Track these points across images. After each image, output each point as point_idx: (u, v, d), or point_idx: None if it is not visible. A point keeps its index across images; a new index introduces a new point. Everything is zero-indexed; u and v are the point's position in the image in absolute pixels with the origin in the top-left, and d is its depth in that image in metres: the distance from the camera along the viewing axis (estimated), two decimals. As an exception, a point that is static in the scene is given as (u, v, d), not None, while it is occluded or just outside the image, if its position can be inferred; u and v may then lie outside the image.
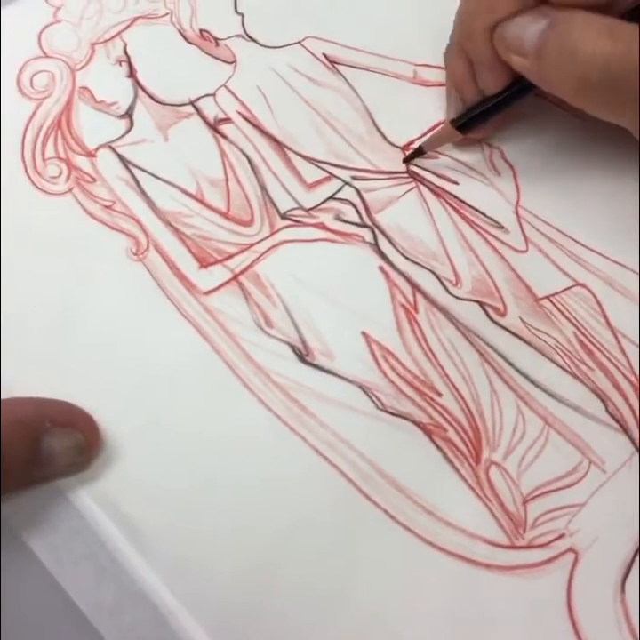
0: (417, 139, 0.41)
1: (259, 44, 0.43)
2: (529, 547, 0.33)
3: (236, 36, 0.44)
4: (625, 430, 0.35)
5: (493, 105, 0.39)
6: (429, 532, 0.34)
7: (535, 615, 0.32)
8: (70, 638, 0.32)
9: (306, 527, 0.33)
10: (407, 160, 0.40)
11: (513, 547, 0.33)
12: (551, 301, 0.38)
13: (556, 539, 0.34)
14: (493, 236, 0.39)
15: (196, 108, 0.42)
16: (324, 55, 0.43)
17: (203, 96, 0.42)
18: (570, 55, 0.34)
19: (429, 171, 0.41)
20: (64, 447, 0.32)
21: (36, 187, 0.40)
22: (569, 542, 0.33)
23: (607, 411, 0.36)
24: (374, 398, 0.36)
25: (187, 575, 0.33)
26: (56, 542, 0.33)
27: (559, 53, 0.35)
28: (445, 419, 0.35)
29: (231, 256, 0.38)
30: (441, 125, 0.41)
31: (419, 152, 0.40)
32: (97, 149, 0.41)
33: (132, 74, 0.43)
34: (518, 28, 0.36)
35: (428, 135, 0.41)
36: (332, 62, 0.43)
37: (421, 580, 0.33)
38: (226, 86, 0.42)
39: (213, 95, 0.42)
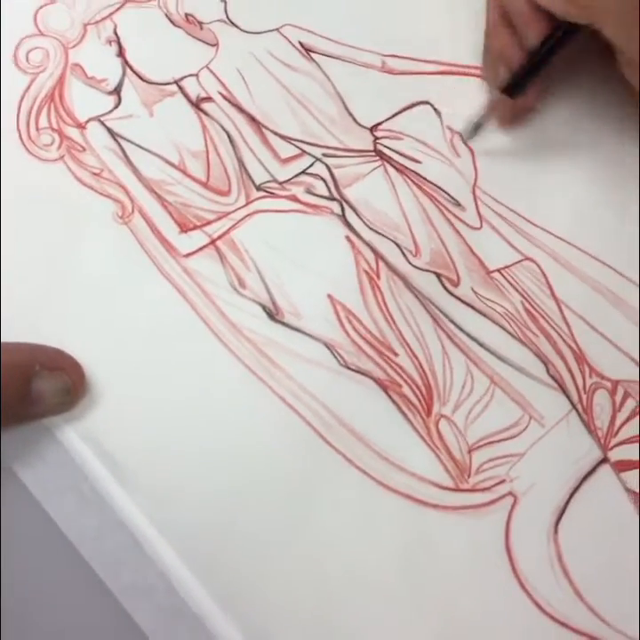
0: (384, 120, 0.44)
1: (240, 29, 0.46)
2: (472, 490, 0.37)
3: (219, 20, 0.46)
4: (563, 390, 0.39)
5: (537, 61, 0.41)
6: (383, 475, 0.37)
7: (476, 551, 0.36)
8: (56, 561, 0.35)
9: (272, 464, 0.37)
10: (469, 137, 0.43)
11: (458, 489, 0.37)
12: (501, 274, 0.41)
13: (497, 483, 0.37)
14: (451, 212, 0.42)
15: (180, 87, 0.44)
16: (300, 43, 0.46)
17: (186, 76, 0.45)
18: None
19: (394, 150, 0.44)
20: (53, 389, 0.35)
21: (30, 153, 0.42)
22: (508, 487, 0.37)
23: (548, 372, 0.39)
24: (337, 355, 0.39)
25: (161, 505, 0.36)
26: (43, 474, 0.36)
27: None
28: (401, 376, 0.39)
29: (209, 222, 0.41)
30: (494, 96, 0.43)
31: (477, 127, 0.43)
32: (87, 122, 0.43)
33: (121, 53, 0.45)
34: None
35: (483, 110, 0.43)
36: (306, 50, 0.46)
37: (374, 516, 0.36)
38: (208, 67, 0.45)
39: (196, 75, 0.45)
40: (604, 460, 0.38)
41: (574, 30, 0.40)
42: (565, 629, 0.35)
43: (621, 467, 0.37)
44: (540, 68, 0.42)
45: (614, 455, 0.38)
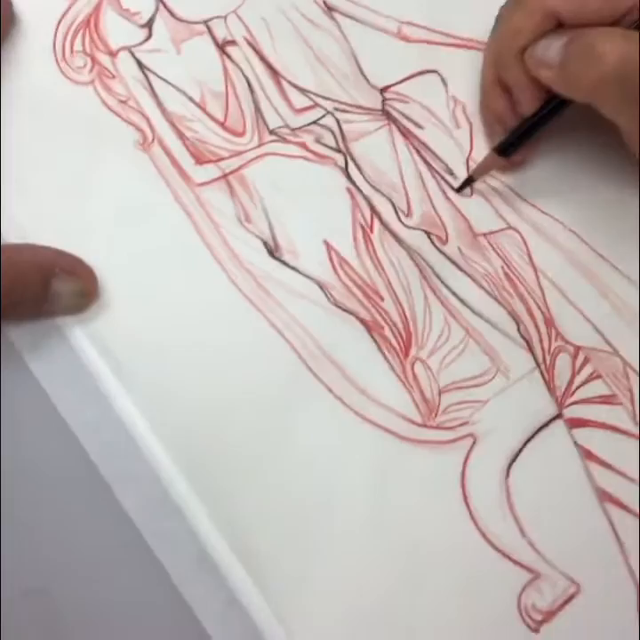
0: (394, 84, 0.47)
1: (269, -21, 0.49)
2: (438, 428, 0.40)
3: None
4: (530, 349, 0.42)
5: (530, 125, 0.43)
6: (360, 405, 0.40)
7: (436, 483, 0.39)
8: (58, 447, 0.38)
9: (260, 382, 0.40)
10: (460, 189, 0.45)
11: (425, 425, 0.40)
12: (486, 238, 0.45)
13: (460, 425, 0.41)
14: (445, 179, 0.46)
15: (208, 28, 0.47)
16: (324, 1, 0.49)
17: (215, 17, 0.48)
18: (588, 55, 0.39)
19: (401, 113, 0.47)
20: (69, 291, 0.38)
21: (63, 74, 0.45)
22: (470, 429, 0.40)
23: (519, 331, 0.43)
24: (328, 294, 0.42)
25: (156, 405, 0.39)
26: (52, 368, 0.39)
27: (579, 56, 0.40)
28: (384, 319, 0.42)
29: (223, 158, 0.44)
30: (487, 155, 0.45)
31: (469, 181, 0.45)
32: (118, 51, 0.46)
33: (155, -11, 0.48)
34: (545, 45, 0.41)
35: (477, 164, 0.45)
36: (329, 8, 0.49)
37: (350, 441, 0.40)
38: (236, 12, 0.48)
39: (224, 18, 0.48)
40: (559, 416, 0.41)
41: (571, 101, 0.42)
42: (507, 560, 0.38)
43: (573, 423, 0.41)
44: (534, 131, 0.44)
45: (568, 413, 0.41)
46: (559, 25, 0.42)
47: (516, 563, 0.39)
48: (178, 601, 0.36)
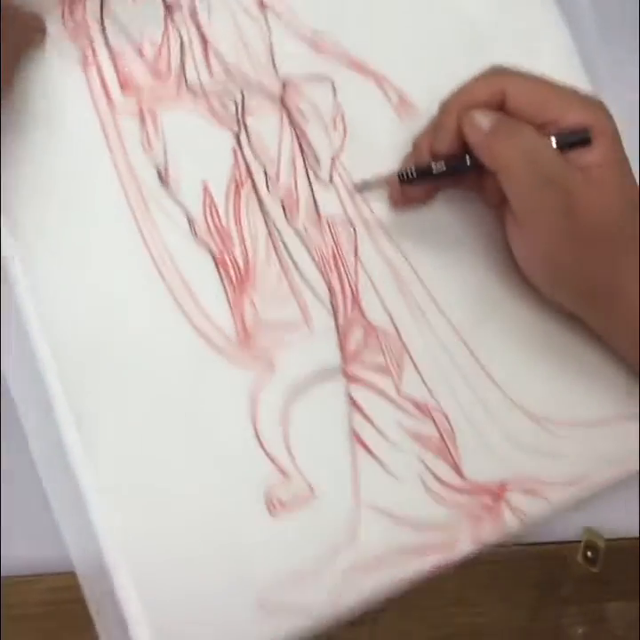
0: (297, 79, 0.56)
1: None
2: (248, 351, 0.51)
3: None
4: (335, 316, 0.53)
5: (434, 172, 0.51)
6: (194, 315, 0.51)
7: (234, 394, 0.51)
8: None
9: (118, 279, 0.51)
10: (358, 189, 0.55)
11: (239, 347, 0.51)
12: (328, 223, 0.55)
13: (265, 354, 0.52)
14: (311, 167, 0.56)
15: None
16: (260, -4, 0.59)
17: (169, -17, 0.57)
18: (511, 135, 0.48)
19: (295, 104, 0.56)
20: None
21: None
22: (272, 360, 0.51)
23: (330, 300, 0.53)
24: (193, 226, 0.53)
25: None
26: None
27: (505, 134, 0.48)
28: (230, 260, 0.52)
29: (144, 94, 0.54)
30: (390, 174, 0.54)
31: (366, 186, 0.54)
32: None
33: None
34: (484, 113, 0.49)
35: (382, 176, 0.54)
36: (263, 4, 0.57)
37: (178, 339, 0.51)
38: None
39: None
40: (342, 371, 0.52)
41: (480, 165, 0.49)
42: (270, 461, 0.50)
43: (351, 379, 0.52)
44: (436, 177, 0.51)
45: (350, 371, 0.52)
46: (502, 106, 0.49)
47: (275, 464, 0.50)
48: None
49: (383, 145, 0.56)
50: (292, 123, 0.55)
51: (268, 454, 0.50)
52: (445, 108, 0.51)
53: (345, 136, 0.56)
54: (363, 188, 0.55)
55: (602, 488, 0.54)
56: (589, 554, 0.54)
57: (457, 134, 0.50)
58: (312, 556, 0.49)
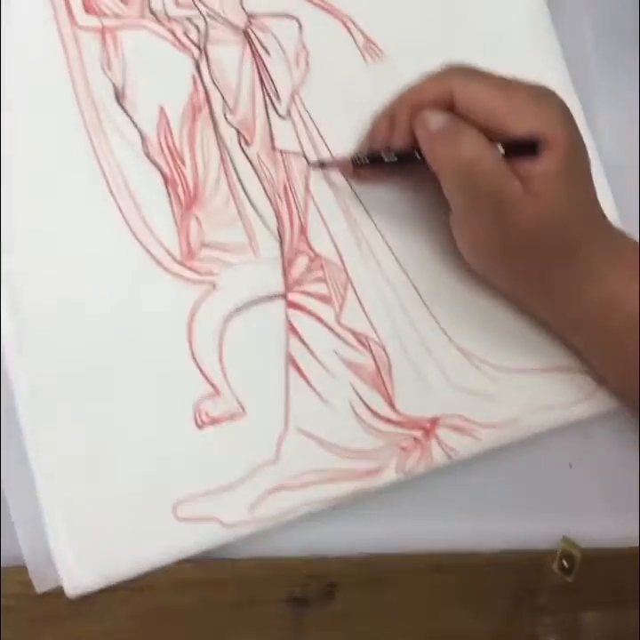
0: (262, 15, 0.57)
1: None
2: (190, 268, 0.53)
3: None
4: (281, 243, 0.54)
5: (386, 161, 0.52)
6: (138, 229, 0.52)
7: (174, 309, 0.52)
8: None
9: (66, 194, 0.52)
10: (315, 167, 0.55)
11: (182, 263, 0.52)
12: (282, 155, 0.56)
13: (206, 273, 0.53)
14: (271, 98, 0.57)
15: None
16: None
17: None
18: (453, 140, 0.47)
19: (257, 38, 0.57)
20: None
21: None
22: (213, 279, 0.53)
23: (277, 228, 0.54)
24: (146, 146, 0.53)
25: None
26: None
27: (448, 137, 0.48)
28: (180, 179, 0.53)
29: (106, 15, 0.54)
30: (344, 158, 0.55)
31: (322, 164, 0.55)
32: None
33: None
34: (433, 114, 0.49)
35: (337, 157, 0.55)
36: None
37: (121, 251, 0.52)
38: None
39: None
40: (283, 296, 0.53)
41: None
42: (202, 376, 0.52)
43: (291, 305, 0.53)
44: (386, 166, 0.52)
45: (291, 297, 0.53)
46: (452, 106, 0.49)
47: (207, 379, 0.52)
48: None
49: (346, 86, 0.57)
50: (254, 55, 0.56)
51: (200, 369, 0.51)
52: (399, 102, 0.52)
53: (306, 73, 0.57)
54: (319, 165, 0.55)
55: (530, 434, 0.55)
56: (565, 563, 0.54)
57: (409, 129, 0.51)
58: (234, 471, 0.51)
